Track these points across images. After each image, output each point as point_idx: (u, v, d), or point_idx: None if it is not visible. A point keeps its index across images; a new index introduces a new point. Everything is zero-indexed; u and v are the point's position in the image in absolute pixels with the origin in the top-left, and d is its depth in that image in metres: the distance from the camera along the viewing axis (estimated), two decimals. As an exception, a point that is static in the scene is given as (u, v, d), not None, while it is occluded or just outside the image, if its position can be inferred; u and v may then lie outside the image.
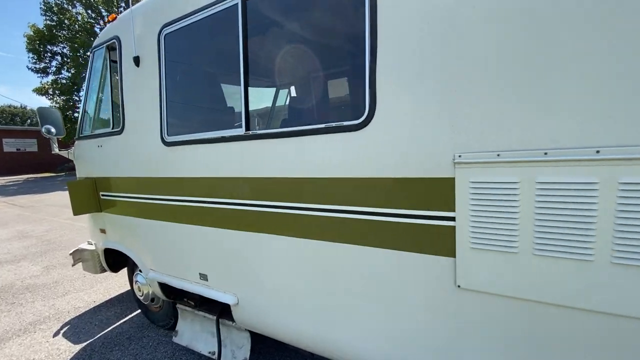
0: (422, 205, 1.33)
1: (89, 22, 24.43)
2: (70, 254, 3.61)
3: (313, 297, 1.72)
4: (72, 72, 24.34)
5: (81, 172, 3.05)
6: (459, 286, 1.29)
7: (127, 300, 3.81)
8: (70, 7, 24.00)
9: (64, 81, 24.60)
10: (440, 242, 1.31)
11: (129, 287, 4.10)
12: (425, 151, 1.30)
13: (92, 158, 2.87)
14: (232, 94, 2.13)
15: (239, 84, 1.82)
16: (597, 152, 1.00)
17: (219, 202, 1.98)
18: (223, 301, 2.09)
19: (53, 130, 3.02)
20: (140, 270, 3.02)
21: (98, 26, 24.76)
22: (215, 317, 2.33)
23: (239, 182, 1.86)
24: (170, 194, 2.25)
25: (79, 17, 24.24)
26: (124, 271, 3.45)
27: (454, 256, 1.28)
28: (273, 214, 1.75)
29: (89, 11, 24.47)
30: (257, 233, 1.85)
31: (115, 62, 2.57)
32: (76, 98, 25.77)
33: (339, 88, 2.66)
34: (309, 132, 1.57)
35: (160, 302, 3.07)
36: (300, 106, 3.14)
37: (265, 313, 1.94)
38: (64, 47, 24.72)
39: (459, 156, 1.22)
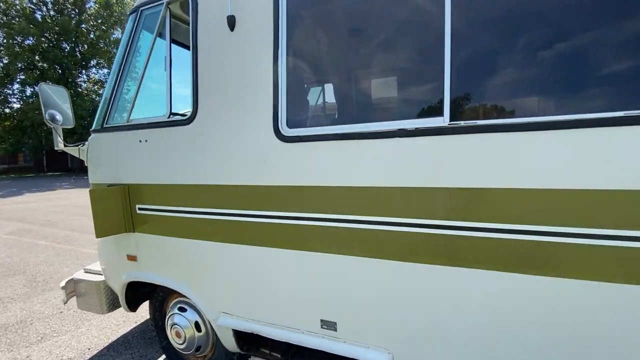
0: None
1: (29, 7, 21.56)
2: (63, 287, 2.67)
3: None
4: (6, 61, 21.18)
5: (101, 175, 2.21)
6: None
7: (138, 343, 2.91)
8: (7, -10, 21.06)
9: (-5, 71, 21.35)
10: None
11: (128, 323, 3.20)
12: None
13: (126, 157, 2.07)
14: (412, 73, 1.52)
15: (434, 60, 1.28)
16: None
17: (385, 223, 1.38)
18: None
19: (59, 117, 2.17)
20: (181, 309, 2.25)
21: (40, 12, 21.97)
22: None
23: (434, 194, 1.29)
24: (282, 208, 1.60)
25: (17, 2, 21.27)
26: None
27: None
28: (528, 244, 1.20)
29: (31, -5, 21.67)
30: (469, 269, 1.28)
31: (182, 24, 1.86)
32: (9, 91, 22.43)
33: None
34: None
35: (208, 351, 2.30)
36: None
37: None
38: (-4, 33, 21.51)
39: None
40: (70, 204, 10.50)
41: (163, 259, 2.05)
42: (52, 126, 2.16)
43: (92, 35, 22.64)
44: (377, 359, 1.47)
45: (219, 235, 1.79)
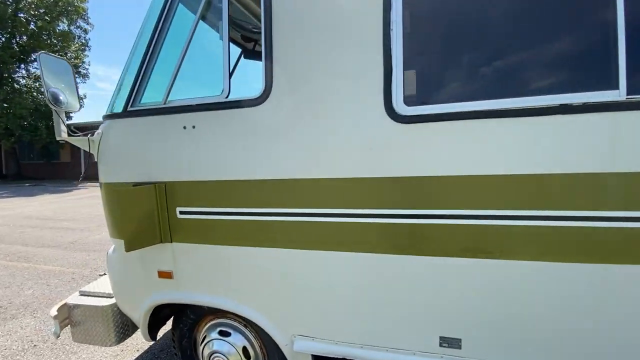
0: None
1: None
2: (54, 317, 2.13)
3: None
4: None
5: (122, 172, 1.76)
6: None
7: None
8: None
9: None
10: None
11: (129, 352, 2.71)
12: None
13: (162, 148, 1.65)
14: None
15: (604, 20, 1.09)
16: None
17: (543, 217, 1.15)
18: None
19: (63, 98, 1.69)
20: (223, 333, 1.86)
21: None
22: None
23: (606, 180, 1.09)
24: (395, 205, 1.31)
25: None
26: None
27: None
28: None
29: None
30: None
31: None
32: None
33: None
34: None
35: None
36: None
37: None
38: None
39: None
40: (15, 214, 9.11)
41: (215, 275, 1.65)
42: (54, 109, 1.67)
43: (33, 26, 20.18)
44: None
45: (303, 241, 1.45)
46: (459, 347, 1.32)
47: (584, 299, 1.17)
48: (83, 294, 2.26)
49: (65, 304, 2.18)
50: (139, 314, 1.88)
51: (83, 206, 10.41)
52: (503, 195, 1.19)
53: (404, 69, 1.27)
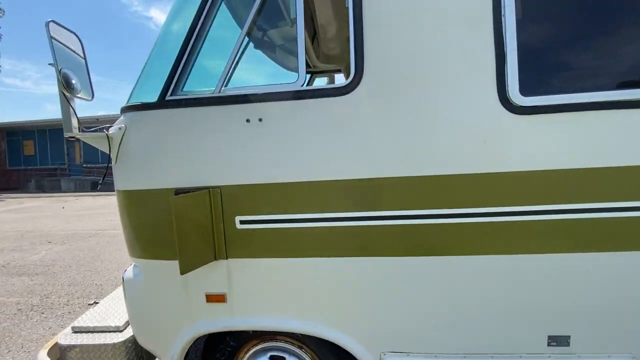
0: None
1: None
2: (45, 363, 1.68)
3: None
4: None
5: (156, 175, 1.42)
6: None
7: None
8: None
9: None
10: None
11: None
12: None
13: (217, 145, 1.36)
14: None
15: None
16: None
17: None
18: None
19: (75, 81, 1.32)
20: (275, 358, 1.63)
21: None
22: None
23: None
24: (509, 202, 1.23)
25: None
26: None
27: None
28: None
29: None
30: None
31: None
32: None
33: None
34: None
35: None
36: None
37: None
38: None
39: None
40: None
41: (285, 293, 1.41)
42: (65, 95, 1.28)
43: None
44: None
45: (401, 248, 1.29)
46: (568, 344, 1.29)
47: None
48: (77, 330, 1.81)
49: (56, 344, 1.73)
50: (175, 350, 1.55)
51: (3, 222, 8.76)
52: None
53: (519, 55, 1.20)
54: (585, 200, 1.20)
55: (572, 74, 1.23)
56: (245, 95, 1.33)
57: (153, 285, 1.52)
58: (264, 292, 1.43)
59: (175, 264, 1.32)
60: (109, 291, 3.77)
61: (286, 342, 1.64)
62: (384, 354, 1.41)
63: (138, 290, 1.57)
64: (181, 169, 1.39)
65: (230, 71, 1.35)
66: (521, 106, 1.20)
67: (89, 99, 1.40)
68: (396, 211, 1.28)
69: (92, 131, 1.41)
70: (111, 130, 1.46)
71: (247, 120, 1.33)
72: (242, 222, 1.38)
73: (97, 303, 1.97)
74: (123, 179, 1.47)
